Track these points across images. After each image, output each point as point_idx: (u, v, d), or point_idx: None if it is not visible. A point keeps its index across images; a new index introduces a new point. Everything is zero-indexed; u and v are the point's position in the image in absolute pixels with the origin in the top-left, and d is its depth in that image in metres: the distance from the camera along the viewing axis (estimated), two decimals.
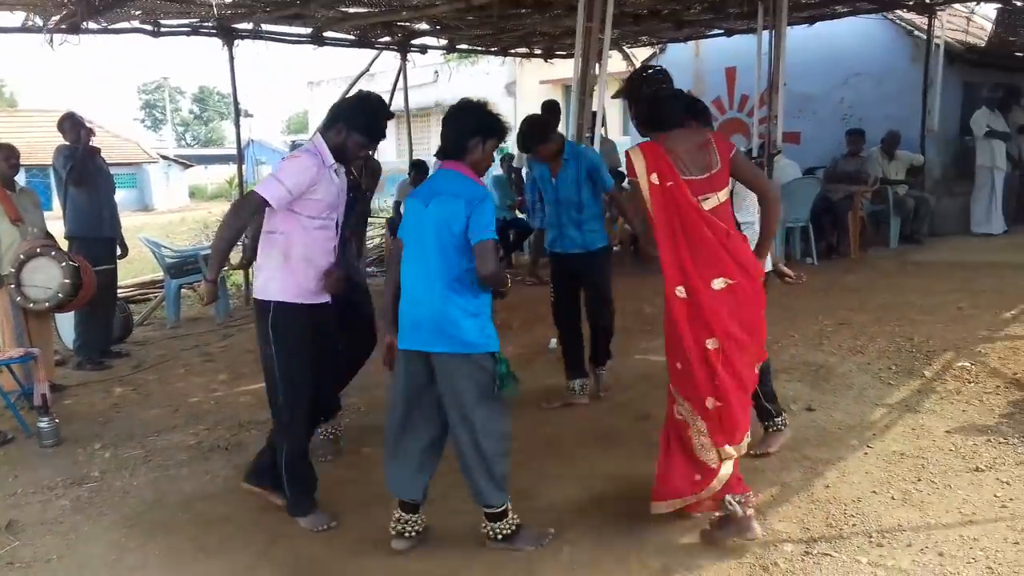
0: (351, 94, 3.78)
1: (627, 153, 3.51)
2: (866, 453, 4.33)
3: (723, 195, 3.44)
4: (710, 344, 3.35)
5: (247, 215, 3.70)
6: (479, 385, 3.38)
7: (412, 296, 3.45)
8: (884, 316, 6.83)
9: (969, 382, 5.27)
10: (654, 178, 3.37)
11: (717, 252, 3.35)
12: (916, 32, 10.97)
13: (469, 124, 3.49)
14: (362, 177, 4.77)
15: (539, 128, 5.19)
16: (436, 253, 3.38)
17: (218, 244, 3.71)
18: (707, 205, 3.38)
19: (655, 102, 3.56)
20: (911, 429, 4.62)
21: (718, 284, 3.35)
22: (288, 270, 3.70)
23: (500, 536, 3.49)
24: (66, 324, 7.06)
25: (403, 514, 3.56)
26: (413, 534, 3.56)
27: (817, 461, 4.25)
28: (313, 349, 3.82)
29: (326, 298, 3.86)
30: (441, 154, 3.55)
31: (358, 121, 3.76)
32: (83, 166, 6.76)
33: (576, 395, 5.38)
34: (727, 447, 3.42)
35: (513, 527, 3.49)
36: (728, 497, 3.41)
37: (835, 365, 5.72)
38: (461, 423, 3.41)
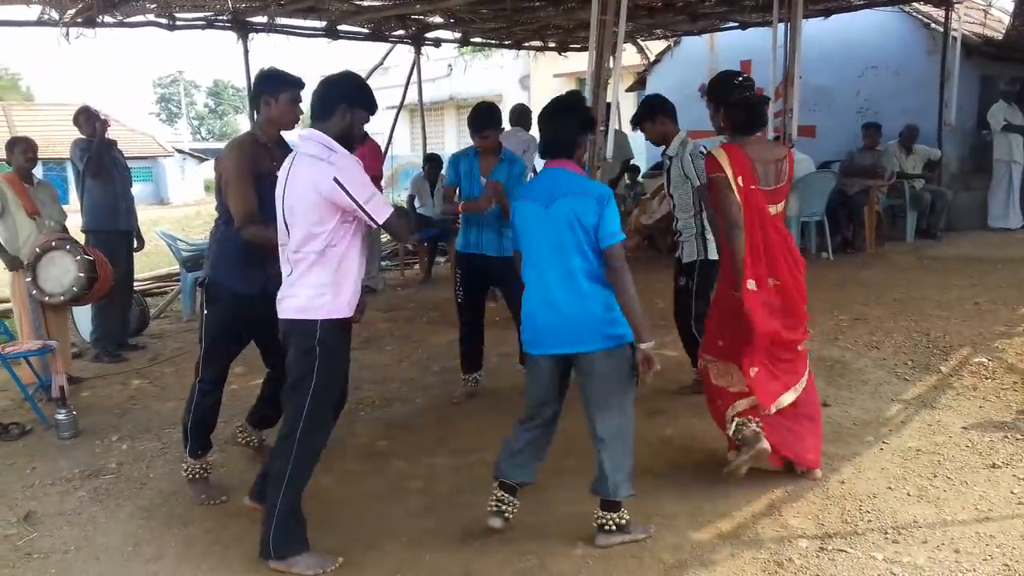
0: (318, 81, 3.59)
1: (712, 152, 3.89)
2: (882, 449, 4.31)
3: (781, 206, 3.97)
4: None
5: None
6: (625, 377, 3.47)
7: (550, 299, 3.43)
8: (900, 311, 6.80)
9: (986, 378, 5.24)
10: (740, 180, 3.77)
11: (781, 254, 3.87)
12: (933, 25, 10.89)
13: (575, 122, 3.55)
14: None
15: (495, 112, 5.26)
16: (575, 253, 3.38)
17: None
18: (772, 212, 3.88)
19: (751, 107, 3.94)
20: (927, 425, 4.60)
21: (771, 282, 3.85)
22: (340, 285, 3.37)
23: (615, 526, 3.48)
24: (83, 317, 7.10)
25: (505, 495, 3.57)
26: (509, 516, 3.57)
27: (832, 457, 4.23)
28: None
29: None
30: (549, 154, 3.54)
31: (356, 97, 3.45)
32: (99, 158, 6.79)
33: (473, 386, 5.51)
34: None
35: (626, 517, 3.52)
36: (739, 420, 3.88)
37: (851, 360, 5.70)
38: (610, 414, 3.45)
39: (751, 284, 3.77)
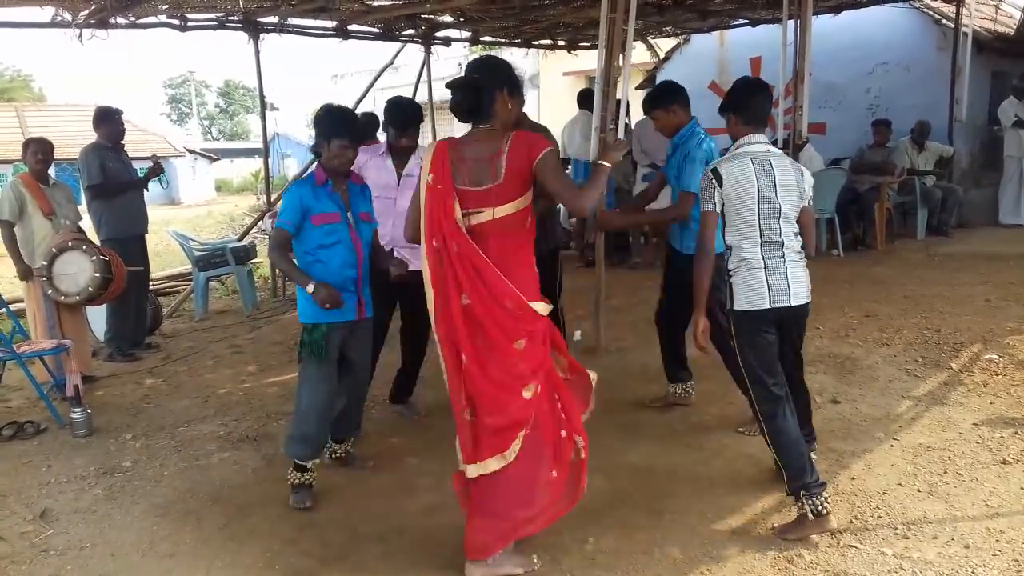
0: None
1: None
2: (892, 445, 4.32)
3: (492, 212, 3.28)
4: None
5: None
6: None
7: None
8: (911, 308, 6.79)
9: (997, 374, 5.23)
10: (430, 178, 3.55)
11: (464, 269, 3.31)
12: (944, 21, 10.85)
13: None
14: None
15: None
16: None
17: None
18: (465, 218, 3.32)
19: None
20: (938, 421, 4.60)
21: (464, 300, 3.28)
22: None
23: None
24: (96, 316, 7.15)
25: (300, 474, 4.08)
26: (312, 482, 4.10)
27: (843, 453, 4.24)
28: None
29: None
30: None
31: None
32: (116, 174, 6.84)
33: None
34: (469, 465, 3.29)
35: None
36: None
37: (861, 357, 5.70)
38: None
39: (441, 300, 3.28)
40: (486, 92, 3.29)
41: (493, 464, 3.24)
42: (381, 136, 5.82)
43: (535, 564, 3.34)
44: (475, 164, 3.24)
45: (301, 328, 4.00)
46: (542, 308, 3.31)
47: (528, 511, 3.27)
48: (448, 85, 3.36)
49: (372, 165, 4.80)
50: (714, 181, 3.60)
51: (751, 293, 3.59)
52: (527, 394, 3.26)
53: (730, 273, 3.66)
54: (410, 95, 11.94)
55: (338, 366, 4.09)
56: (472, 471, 3.26)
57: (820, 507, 3.41)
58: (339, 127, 3.97)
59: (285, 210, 3.94)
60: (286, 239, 3.94)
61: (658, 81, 13.48)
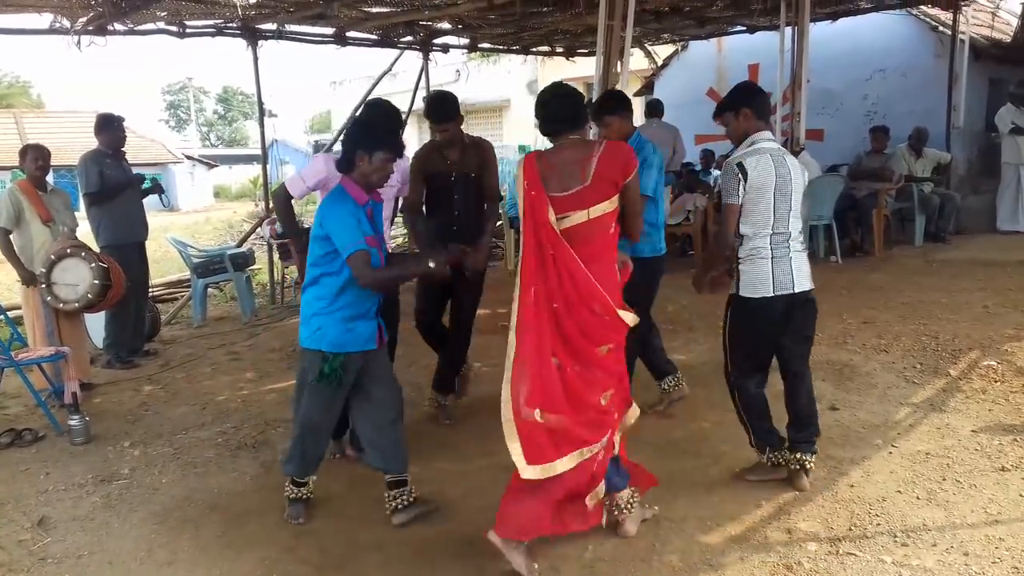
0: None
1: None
2: (891, 452, 4.32)
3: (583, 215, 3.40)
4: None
5: None
6: (309, 377, 3.81)
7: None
8: (909, 314, 6.79)
9: (995, 381, 5.23)
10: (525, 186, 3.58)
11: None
12: (941, 28, 10.88)
13: (351, 138, 3.71)
14: None
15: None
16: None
17: None
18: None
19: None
20: (936, 428, 4.60)
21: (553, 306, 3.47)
22: None
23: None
24: (95, 323, 7.14)
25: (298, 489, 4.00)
26: (305, 497, 4.01)
27: (841, 460, 4.24)
28: None
29: None
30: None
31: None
32: (114, 180, 6.84)
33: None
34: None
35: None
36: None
37: (859, 364, 5.70)
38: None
39: (532, 293, 3.39)
40: (582, 104, 3.52)
41: (561, 466, 3.32)
42: None
43: (535, 573, 3.33)
44: (563, 169, 3.37)
45: (321, 355, 3.65)
46: (629, 318, 3.43)
47: (568, 510, 3.41)
48: (542, 94, 3.56)
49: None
50: (740, 175, 3.76)
51: (756, 282, 3.81)
52: (603, 400, 3.41)
53: (740, 261, 3.85)
54: (408, 101, 11.98)
55: (357, 395, 3.86)
56: (532, 472, 3.27)
57: (777, 460, 3.96)
58: (389, 137, 3.69)
59: (349, 230, 3.50)
60: (367, 258, 3.52)
61: (656, 88, 13.58)
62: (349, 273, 3.56)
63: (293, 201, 4.55)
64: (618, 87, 6.29)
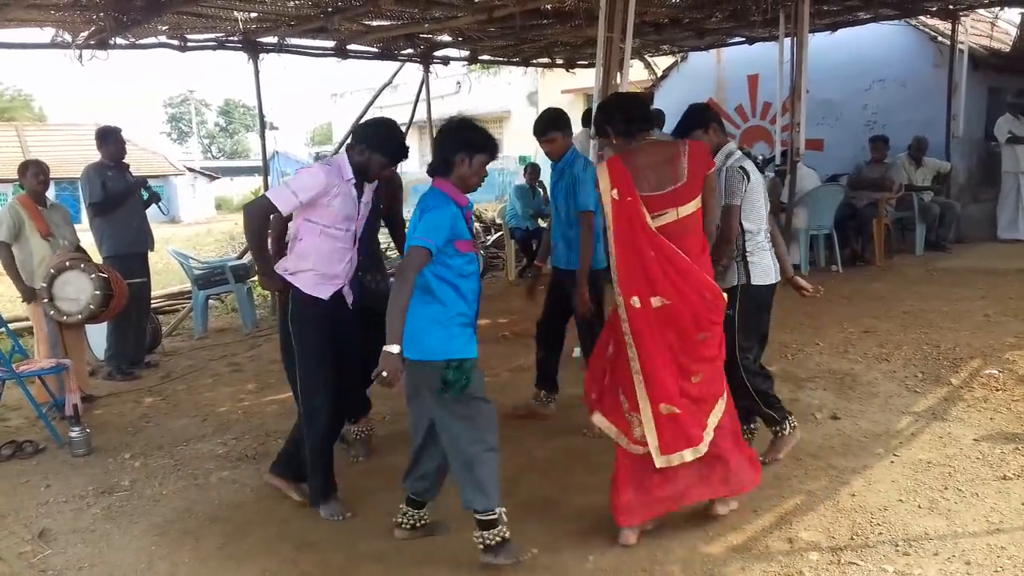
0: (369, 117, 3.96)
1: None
2: (892, 461, 4.31)
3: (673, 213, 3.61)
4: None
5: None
6: (433, 391, 3.48)
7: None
8: (910, 323, 6.79)
9: (997, 390, 5.23)
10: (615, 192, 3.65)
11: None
12: (940, 38, 10.91)
13: (454, 141, 3.52)
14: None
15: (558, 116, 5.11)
16: None
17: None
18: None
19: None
20: (938, 437, 4.59)
21: (656, 302, 3.55)
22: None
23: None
24: (96, 335, 7.15)
25: (412, 510, 3.84)
26: (411, 525, 3.83)
27: (843, 469, 4.23)
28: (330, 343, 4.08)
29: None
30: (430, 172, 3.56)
31: (375, 142, 4.00)
32: (117, 190, 6.86)
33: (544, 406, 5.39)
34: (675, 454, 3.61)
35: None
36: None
37: (861, 373, 5.70)
38: (439, 424, 3.60)
39: (635, 301, 3.53)
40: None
41: (688, 455, 3.59)
42: None
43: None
44: (653, 170, 3.55)
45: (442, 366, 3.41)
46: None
47: (671, 490, 3.65)
48: (611, 100, 3.94)
49: (341, 192, 3.97)
50: (744, 177, 4.07)
51: (766, 271, 4.21)
52: (694, 379, 3.64)
53: (748, 253, 4.16)
54: (409, 113, 12.02)
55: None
56: (663, 462, 3.57)
57: (792, 423, 4.39)
58: (490, 142, 3.57)
59: (435, 228, 3.37)
60: (426, 260, 3.38)
61: (655, 99, 13.61)
62: (454, 276, 3.47)
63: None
64: None
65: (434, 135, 3.65)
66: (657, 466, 3.57)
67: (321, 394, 4.04)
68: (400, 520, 3.80)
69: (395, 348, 3.23)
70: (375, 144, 3.98)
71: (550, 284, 5.33)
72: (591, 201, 4.74)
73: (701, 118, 4.17)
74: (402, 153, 4.06)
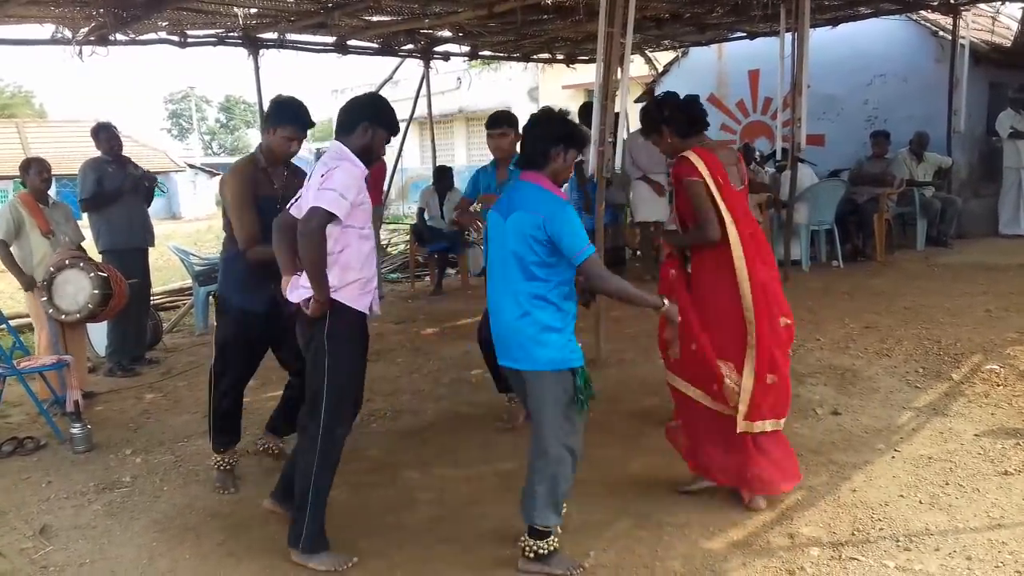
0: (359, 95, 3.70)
1: (686, 157, 3.86)
2: (893, 457, 4.31)
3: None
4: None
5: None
6: (553, 403, 3.32)
7: (496, 311, 3.44)
8: (911, 319, 6.78)
9: (998, 385, 5.22)
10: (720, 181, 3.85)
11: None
12: (941, 33, 10.89)
13: (549, 135, 3.40)
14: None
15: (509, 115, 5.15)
16: (517, 268, 3.33)
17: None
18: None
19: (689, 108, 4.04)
20: (939, 432, 4.59)
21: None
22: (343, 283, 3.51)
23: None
24: (96, 332, 7.15)
25: None
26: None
27: (844, 465, 4.24)
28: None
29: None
30: (522, 165, 3.50)
31: (379, 116, 3.59)
32: (111, 186, 6.86)
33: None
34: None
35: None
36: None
37: (861, 368, 5.70)
38: (538, 436, 3.38)
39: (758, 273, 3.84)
40: None
41: (769, 426, 3.82)
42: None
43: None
44: (730, 168, 3.89)
45: (570, 374, 3.34)
46: None
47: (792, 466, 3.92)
48: (677, 101, 3.98)
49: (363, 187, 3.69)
50: None
51: None
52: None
53: None
54: (409, 109, 12.00)
55: None
56: (746, 427, 3.79)
57: None
58: (584, 137, 3.55)
59: (580, 231, 3.27)
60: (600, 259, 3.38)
61: (657, 94, 13.59)
62: (569, 278, 3.35)
63: None
64: (618, 94, 6.31)
65: (524, 125, 3.54)
66: (738, 431, 3.77)
67: (345, 425, 3.65)
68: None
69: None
70: (377, 118, 3.57)
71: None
72: None
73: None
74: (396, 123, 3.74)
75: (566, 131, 3.41)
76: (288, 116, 4.12)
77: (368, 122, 3.53)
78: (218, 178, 37.37)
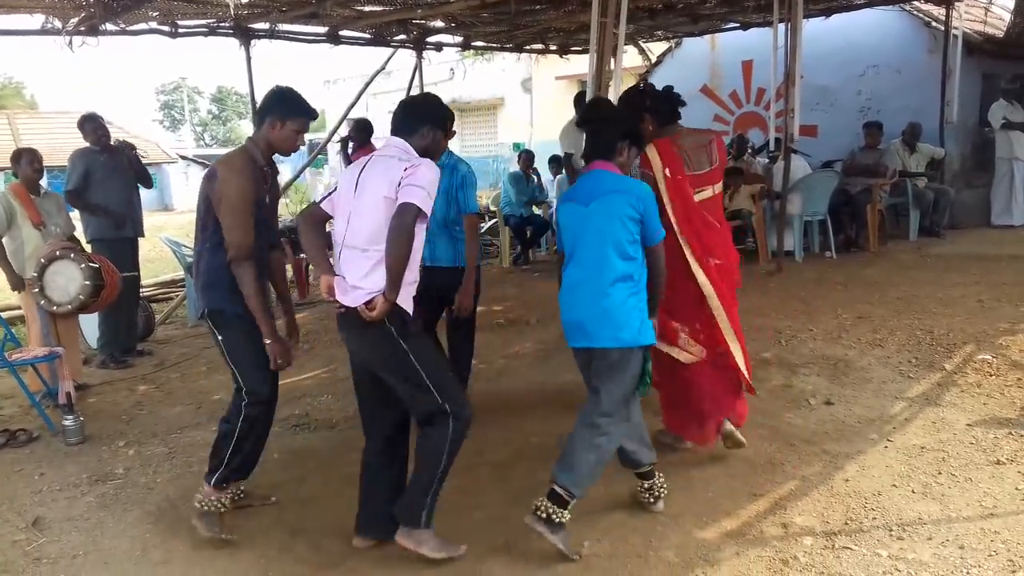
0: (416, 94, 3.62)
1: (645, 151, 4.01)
2: (886, 447, 4.32)
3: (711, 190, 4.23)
4: None
5: None
6: (628, 380, 3.49)
7: (589, 296, 3.51)
8: (904, 309, 6.80)
9: (990, 375, 5.24)
10: (667, 171, 4.02)
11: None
12: (934, 23, 10.89)
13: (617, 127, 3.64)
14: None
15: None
16: (612, 250, 3.50)
17: None
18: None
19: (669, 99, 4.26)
20: (931, 422, 4.61)
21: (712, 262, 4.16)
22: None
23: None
24: (89, 324, 7.13)
25: (647, 482, 3.74)
26: (664, 492, 3.76)
27: (837, 455, 4.25)
28: None
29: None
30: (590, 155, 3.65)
31: (438, 119, 3.58)
32: (102, 176, 6.85)
33: None
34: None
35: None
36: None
37: (854, 359, 5.71)
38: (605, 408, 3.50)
39: (710, 262, 4.09)
40: None
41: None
42: (377, 142, 5.68)
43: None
44: (694, 152, 4.11)
45: (643, 352, 3.51)
46: None
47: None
48: (657, 94, 4.23)
49: None
50: None
51: None
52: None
53: None
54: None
55: None
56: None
57: None
58: (643, 134, 3.83)
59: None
60: None
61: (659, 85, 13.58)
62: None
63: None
64: (611, 85, 6.29)
65: (592, 115, 3.73)
66: (745, 387, 4.22)
67: (468, 406, 3.50)
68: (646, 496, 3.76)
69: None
70: (438, 121, 3.56)
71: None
72: (472, 204, 4.79)
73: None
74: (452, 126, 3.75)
75: (635, 130, 3.69)
76: (299, 108, 3.75)
77: (430, 126, 3.50)
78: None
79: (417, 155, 3.41)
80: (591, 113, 3.76)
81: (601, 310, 3.43)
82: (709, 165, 4.15)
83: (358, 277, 3.31)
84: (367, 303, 3.27)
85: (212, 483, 3.77)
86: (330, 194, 3.55)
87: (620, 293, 3.43)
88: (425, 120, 3.50)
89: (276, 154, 3.83)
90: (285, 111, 3.72)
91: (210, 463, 3.83)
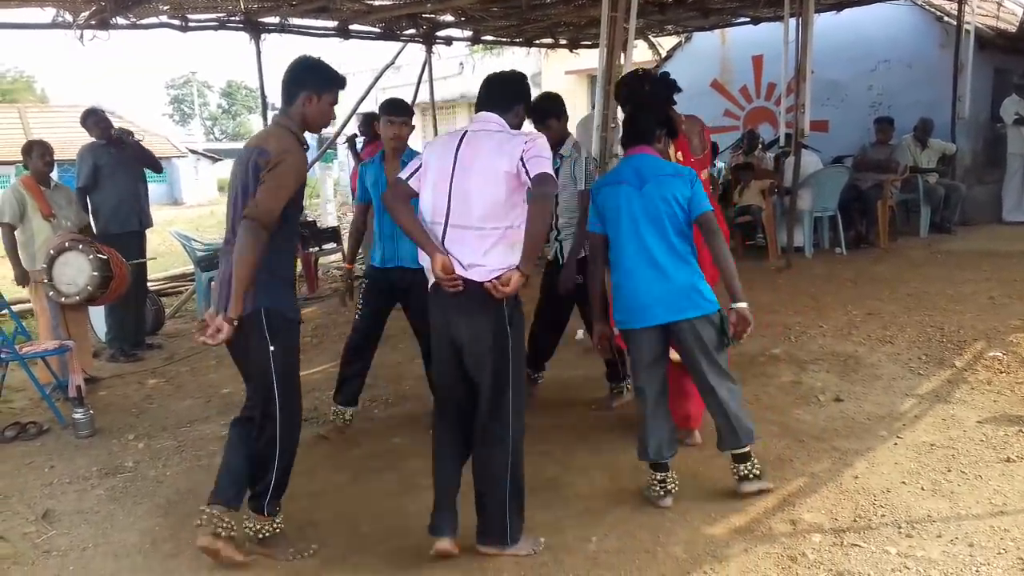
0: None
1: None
2: (896, 443, 4.31)
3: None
4: None
5: None
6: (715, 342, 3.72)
7: (658, 272, 3.68)
8: (914, 306, 6.77)
9: (1001, 372, 5.21)
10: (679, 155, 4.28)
11: None
12: (946, 18, 10.82)
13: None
14: None
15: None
16: (672, 228, 3.71)
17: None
18: None
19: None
20: (941, 419, 4.59)
21: None
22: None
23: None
24: (99, 316, 7.15)
25: (661, 474, 3.79)
26: (675, 489, 3.80)
27: (846, 452, 4.23)
28: None
29: None
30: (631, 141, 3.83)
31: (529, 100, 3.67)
32: (110, 171, 6.88)
33: None
34: None
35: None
36: None
37: (864, 355, 5.69)
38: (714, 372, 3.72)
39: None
40: None
41: None
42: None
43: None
44: (696, 136, 4.40)
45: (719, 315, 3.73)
46: None
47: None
48: (655, 79, 4.33)
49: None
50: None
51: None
52: None
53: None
54: (412, 94, 11.96)
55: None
56: None
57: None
58: (674, 124, 4.07)
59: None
60: None
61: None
62: None
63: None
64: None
65: (631, 104, 3.99)
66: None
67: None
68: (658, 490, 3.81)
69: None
70: (528, 99, 3.59)
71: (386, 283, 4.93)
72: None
73: (558, 107, 4.80)
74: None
75: (669, 119, 3.91)
76: (334, 79, 3.49)
77: (522, 104, 3.52)
78: (221, 163, 37.34)
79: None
80: (636, 99, 4.03)
81: (675, 286, 3.65)
82: (702, 151, 4.49)
83: (477, 255, 3.18)
84: (497, 278, 3.15)
85: (266, 511, 3.50)
86: (416, 171, 3.38)
87: (686, 267, 3.69)
88: (520, 98, 3.52)
89: (307, 131, 3.51)
90: (320, 84, 3.45)
91: (253, 490, 3.52)
